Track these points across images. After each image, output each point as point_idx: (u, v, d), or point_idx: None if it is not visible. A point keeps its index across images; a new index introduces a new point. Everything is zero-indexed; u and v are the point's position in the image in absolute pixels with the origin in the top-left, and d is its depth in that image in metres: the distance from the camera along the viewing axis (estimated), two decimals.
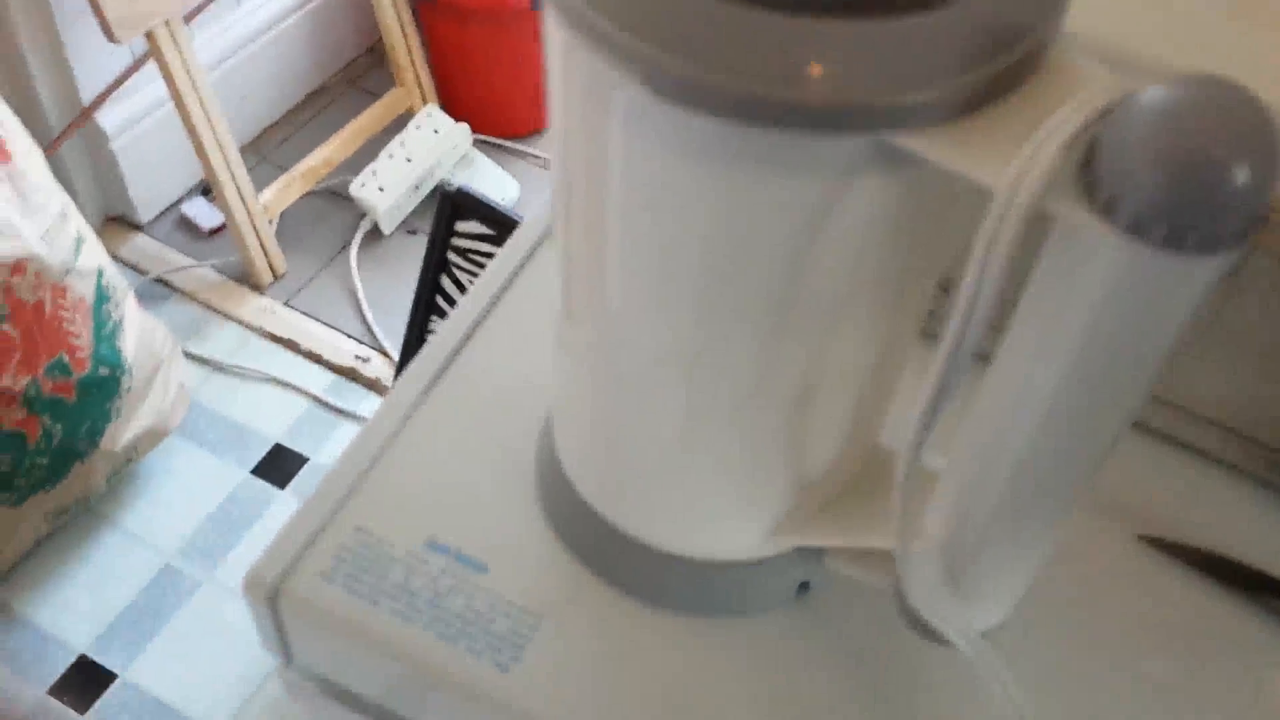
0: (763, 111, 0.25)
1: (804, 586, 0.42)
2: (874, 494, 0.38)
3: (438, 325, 1.32)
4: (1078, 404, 0.28)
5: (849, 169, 0.27)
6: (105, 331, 1.27)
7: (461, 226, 1.27)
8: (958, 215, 0.31)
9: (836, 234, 0.29)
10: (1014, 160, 0.25)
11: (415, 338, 1.34)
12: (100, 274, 1.26)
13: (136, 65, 1.52)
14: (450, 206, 1.25)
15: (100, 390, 1.27)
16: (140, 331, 1.33)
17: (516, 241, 0.52)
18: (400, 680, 0.42)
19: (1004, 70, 0.26)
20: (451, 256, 1.28)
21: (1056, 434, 0.29)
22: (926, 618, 0.35)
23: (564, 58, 0.30)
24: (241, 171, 1.54)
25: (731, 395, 0.34)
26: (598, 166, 0.31)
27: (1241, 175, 0.23)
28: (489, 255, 1.27)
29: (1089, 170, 0.24)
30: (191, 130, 1.46)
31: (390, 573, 0.41)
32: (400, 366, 1.33)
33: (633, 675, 0.40)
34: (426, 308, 1.31)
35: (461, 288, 1.29)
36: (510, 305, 0.50)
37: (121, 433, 1.33)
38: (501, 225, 1.24)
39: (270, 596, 0.41)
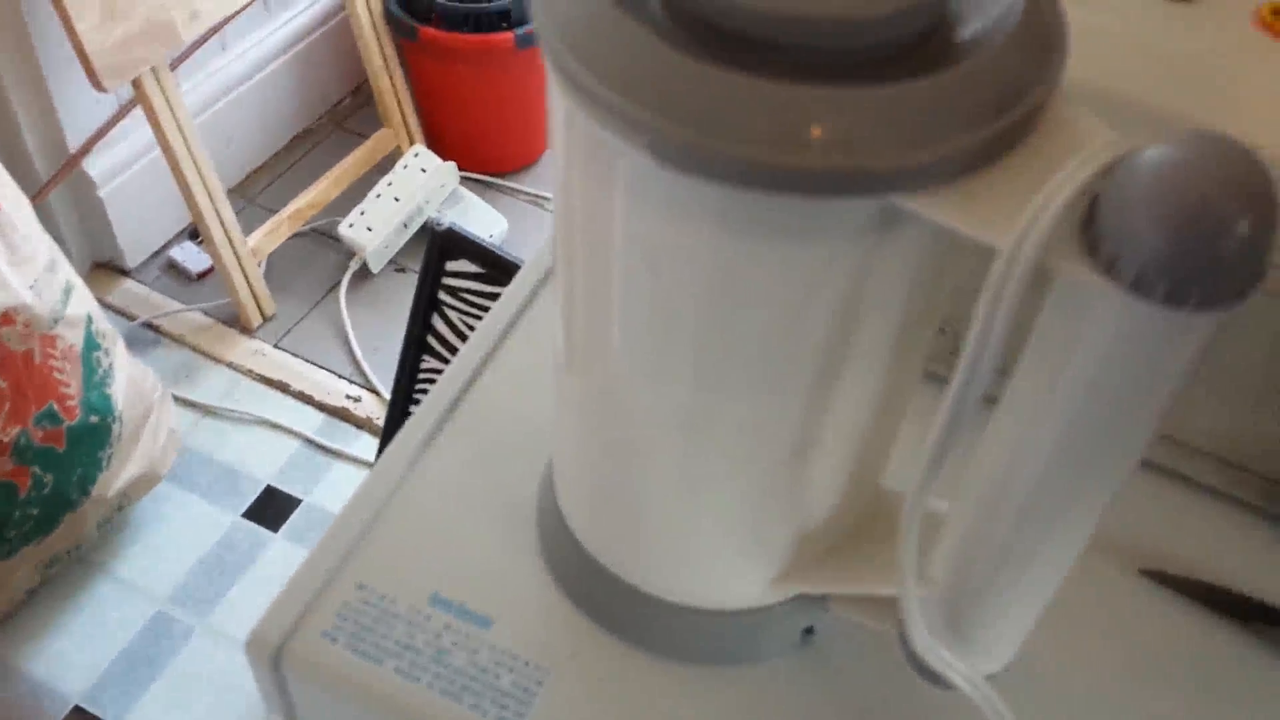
0: (767, 177, 0.25)
1: (809, 631, 0.42)
2: (877, 539, 0.38)
3: (430, 364, 1.32)
4: (1080, 452, 0.29)
5: (851, 231, 0.28)
6: (95, 379, 1.27)
7: (451, 265, 1.27)
8: (957, 266, 0.32)
9: (837, 293, 0.29)
10: (1017, 220, 0.25)
11: (406, 377, 1.34)
12: (89, 322, 1.26)
13: (123, 112, 1.52)
14: (440, 246, 1.25)
15: (91, 438, 1.27)
16: (130, 378, 1.33)
17: (515, 287, 0.52)
18: None
19: (1004, 130, 0.26)
20: (442, 295, 1.28)
21: (1059, 481, 0.29)
22: (931, 663, 0.35)
23: (566, 123, 0.30)
24: (229, 215, 1.55)
25: (732, 450, 0.34)
26: (599, 228, 0.31)
27: (1242, 233, 0.23)
28: (480, 294, 1.27)
29: (1091, 228, 0.25)
30: (179, 175, 1.46)
31: (393, 630, 0.41)
32: (392, 405, 1.33)
33: None
34: (418, 347, 1.31)
35: (453, 326, 1.29)
36: (510, 352, 0.50)
37: (113, 480, 1.32)
38: (492, 264, 1.24)
39: (273, 657, 0.40)
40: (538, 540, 0.44)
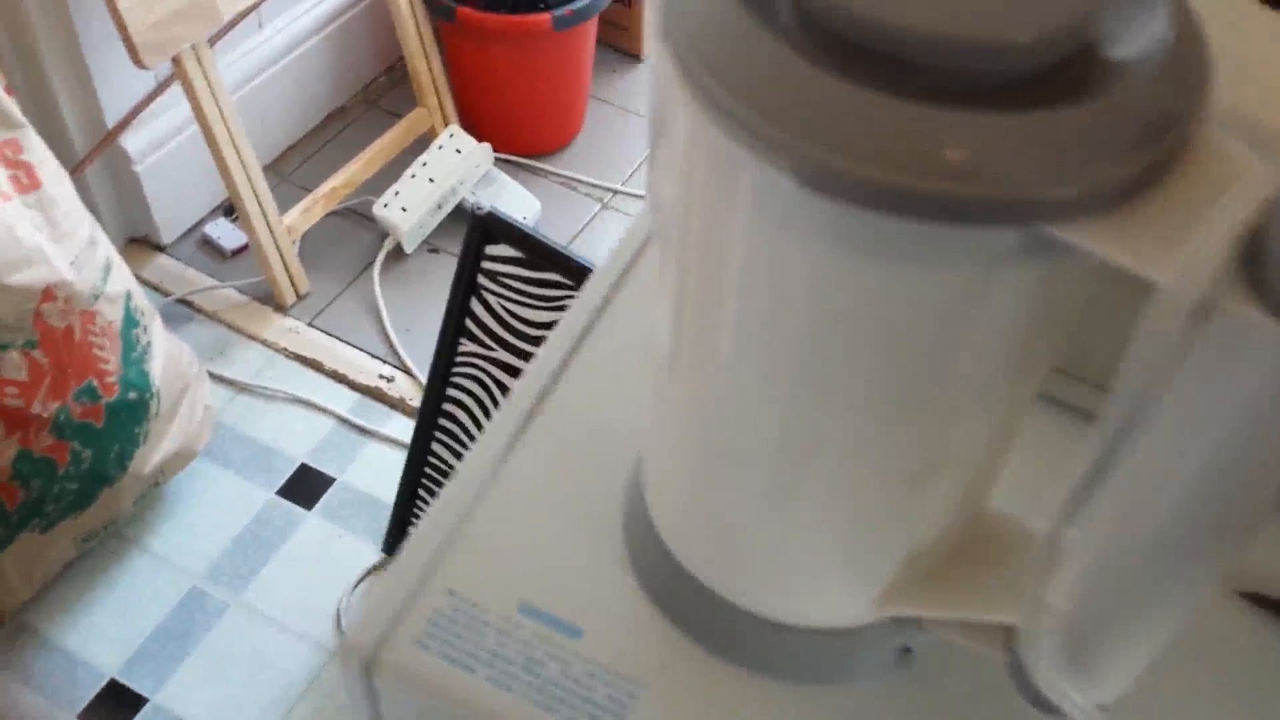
0: (918, 205, 0.25)
1: (906, 651, 0.41)
2: (980, 561, 0.37)
3: (467, 347, 1.32)
4: (1226, 490, 0.28)
5: (994, 259, 0.27)
6: (134, 356, 1.27)
7: (491, 250, 1.26)
8: (1092, 292, 0.31)
9: (969, 320, 0.29)
10: (1177, 253, 0.24)
11: (444, 360, 1.34)
12: (128, 298, 1.26)
13: (161, 88, 1.52)
14: (480, 229, 1.25)
15: (129, 414, 1.27)
16: (167, 354, 1.33)
17: (593, 286, 0.52)
18: None
19: (1160, 158, 0.25)
20: (481, 280, 1.28)
21: (1201, 517, 0.29)
22: (1047, 694, 0.34)
23: (689, 130, 0.29)
24: (265, 192, 1.54)
25: (842, 471, 0.34)
26: (717, 236, 0.30)
27: None
28: (520, 278, 1.26)
29: (1255, 265, 0.24)
30: (216, 152, 1.46)
31: (484, 638, 0.41)
32: (429, 388, 1.33)
33: None
34: (456, 330, 1.31)
35: (492, 311, 1.29)
36: (589, 354, 0.50)
37: (150, 456, 1.33)
38: (532, 249, 1.23)
39: (367, 665, 0.40)
40: (624, 548, 0.44)
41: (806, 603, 0.39)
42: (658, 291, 0.36)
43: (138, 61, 1.30)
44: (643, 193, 1.80)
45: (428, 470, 1.40)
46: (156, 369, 1.30)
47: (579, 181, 1.82)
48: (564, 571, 0.43)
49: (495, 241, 1.25)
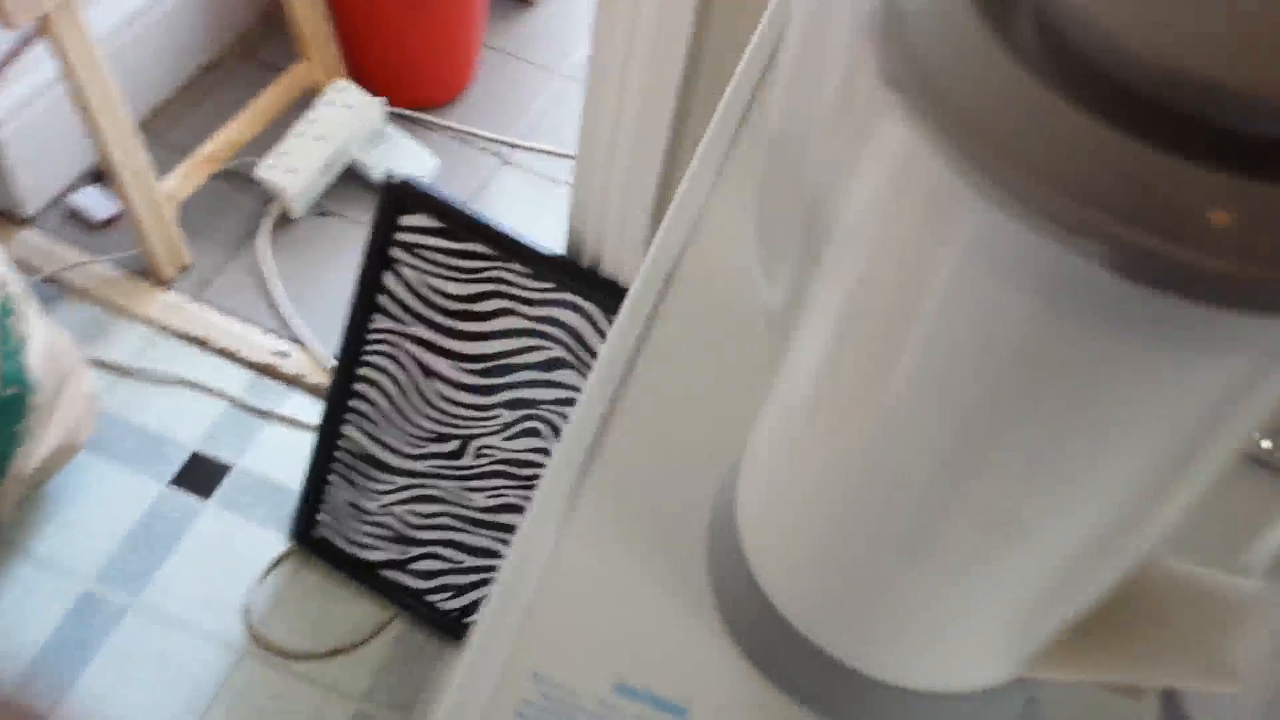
0: (1258, 299, 0.21)
1: (1031, 700, 0.39)
2: (1145, 618, 0.34)
3: (381, 324, 1.24)
4: None
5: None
6: (9, 348, 1.16)
7: (406, 220, 1.19)
8: None
9: (1216, 401, 0.25)
10: None
11: (354, 339, 1.26)
12: (3, 285, 1.14)
13: (24, 46, 1.37)
14: (393, 199, 1.17)
15: (7, 413, 1.16)
16: (45, 342, 1.22)
17: (633, 306, 0.47)
18: None
19: None
20: (395, 252, 1.20)
21: None
22: None
23: (903, 162, 0.25)
24: (142, 157, 1.42)
25: (1020, 536, 0.30)
26: (934, 288, 0.26)
27: None
28: (441, 250, 1.19)
29: None
30: (89, 115, 1.33)
31: None
32: (340, 368, 1.25)
33: None
34: (368, 307, 1.23)
35: (408, 285, 1.22)
36: (640, 382, 0.45)
37: (30, 455, 1.22)
38: (452, 218, 1.16)
39: None
40: (715, 607, 0.40)
41: (949, 669, 0.36)
42: (798, 329, 0.32)
43: (6, 21, 1.17)
44: (545, 147, 1.73)
45: (337, 454, 1.32)
46: (35, 360, 1.19)
47: (475, 136, 1.74)
48: (654, 639, 0.39)
49: (410, 211, 1.17)
